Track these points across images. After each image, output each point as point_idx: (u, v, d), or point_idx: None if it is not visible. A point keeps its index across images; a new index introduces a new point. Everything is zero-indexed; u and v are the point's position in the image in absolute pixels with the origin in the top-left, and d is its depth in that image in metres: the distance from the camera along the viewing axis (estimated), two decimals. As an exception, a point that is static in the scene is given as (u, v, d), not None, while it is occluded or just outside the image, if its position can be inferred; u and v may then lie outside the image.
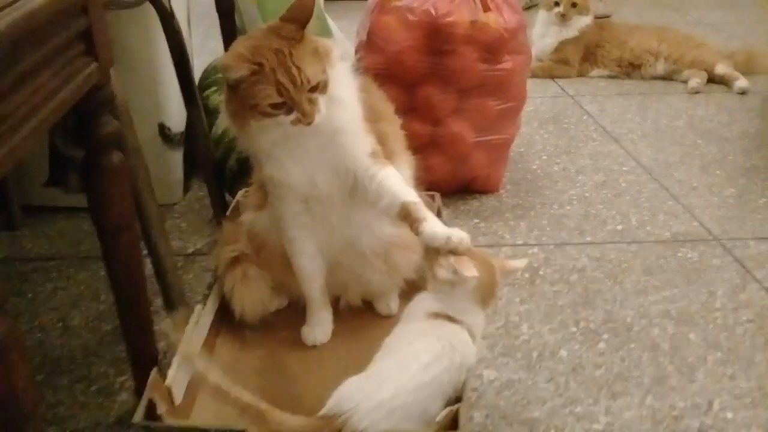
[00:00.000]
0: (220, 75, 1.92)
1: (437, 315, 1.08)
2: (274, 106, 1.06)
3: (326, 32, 2.13)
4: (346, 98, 1.15)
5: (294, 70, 1.04)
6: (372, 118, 1.20)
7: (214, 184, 1.71)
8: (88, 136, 0.95)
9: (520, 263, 1.18)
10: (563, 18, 2.98)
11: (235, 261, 1.31)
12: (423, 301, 1.12)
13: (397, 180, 1.15)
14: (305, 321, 1.32)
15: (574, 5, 2.97)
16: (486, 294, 1.10)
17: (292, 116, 1.07)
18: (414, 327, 1.08)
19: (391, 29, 1.79)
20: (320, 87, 1.08)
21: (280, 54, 1.05)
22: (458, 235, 1.07)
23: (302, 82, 1.05)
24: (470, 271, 1.03)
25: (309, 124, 1.07)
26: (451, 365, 1.02)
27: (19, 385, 0.68)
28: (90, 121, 0.94)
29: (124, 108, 1.07)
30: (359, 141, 1.16)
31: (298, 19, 1.07)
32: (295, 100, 1.06)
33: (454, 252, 1.05)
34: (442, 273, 1.05)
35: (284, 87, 1.04)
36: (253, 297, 1.30)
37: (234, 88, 1.08)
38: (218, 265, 1.32)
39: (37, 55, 0.74)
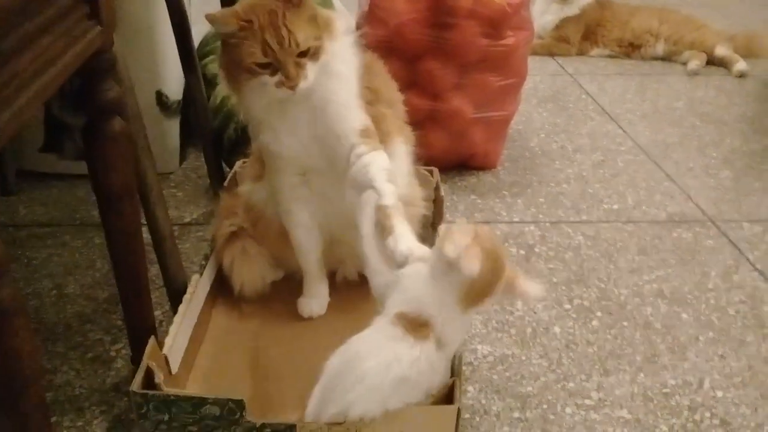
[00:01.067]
0: (218, 43, 1.90)
1: (404, 318, 0.95)
2: (260, 65, 1.06)
3: (328, 4, 2.11)
4: (344, 73, 1.14)
5: (284, 32, 1.03)
6: (372, 99, 1.19)
7: (211, 153, 1.70)
8: (90, 101, 0.94)
9: (536, 289, 0.98)
10: None
11: (234, 236, 1.31)
12: (396, 292, 1.00)
13: (381, 171, 1.12)
14: (302, 293, 1.32)
15: None
16: (471, 297, 0.94)
17: (276, 78, 1.06)
18: (372, 340, 0.96)
19: (393, 1, 1.77)
20: (311, 53, 1.06)
21: (272, 14, 1.04)
22: (398, 247, 1.03)
23: (290, 45, 1.04)
24: (471, 265, 0.90)
25: (292, 88, 1.05)
26: (400, 393, 0.92)
27: (22, 348, 0.69)
28: (92, 86, 0.93)
29: (125, 73, 1.06)
30: (350, 116, 1.14)
31: None
32: (281, 61, 1.05)
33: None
34: (449, 249, 0.91)
35: (270, 47, 1.04)
36: (252, 272, 1.30)
37: (225, 44, 1.08)
38: (216, 240, 1.32)
39: (41, 17, 0.73)
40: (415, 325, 0.94)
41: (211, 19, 1.06)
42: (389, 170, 1.13)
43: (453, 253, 0.90)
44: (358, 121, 1.15)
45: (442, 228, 0.96)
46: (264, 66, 1.06)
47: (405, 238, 1.04)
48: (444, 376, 0.98)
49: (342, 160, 1.15)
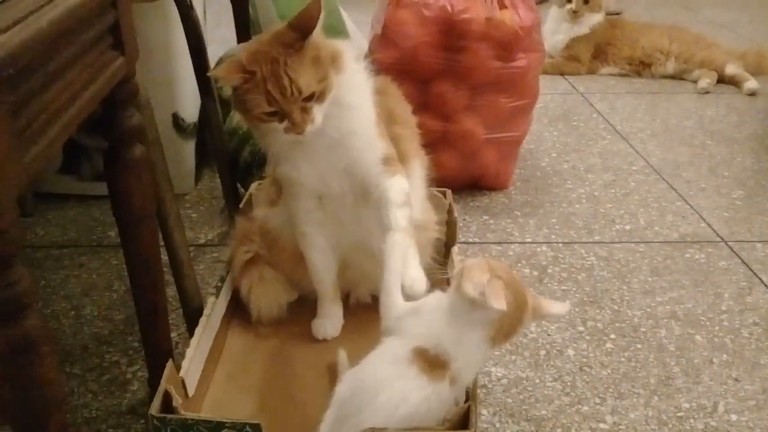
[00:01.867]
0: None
1: (422, 355, 0.93)
2: (268, 114, 1.07)
3: (341, 28, 2.13)
4: (358, 102, 1.14)
5: (285, 81, 1.03)
6: (388, 120, 1.21)
7: (227, 175, 1.72)
8: (111, 129, 0.96)
9: (562, 308, 0.99)
10: (575, 15, 2.98)
11: (251, 262, 1.33)
12: (414, 325, 0.98)
13: (398, 194, 1.14)
14: (316, 315, 1.33)
15: (586, 2, 2.97)
16: (503, 332, 0.94)
17: (284, 125, 1.07)
18: (384, 374, 0.94)
19: (406, 24, 1.79)
20: (316, 96, 1.07)
21: (274, 62, 1.04)
22: (410, 280, 1.06)
23: (293, 93, 1.04)
24: (499, 301, 0.89)
25: (299, 134, 1.07)
26: (408, 425, 0.91)
27: (48, 376, 0.70)
28: (114, 114, 0.95)
29: (146, 100, 1.08)
30: (370, 146, 1.16)
31: (301, 28, 1.06)
32: (285, 110, 1.05)
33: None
34: (469, 288, 0.90)
35: (273, 97, 1.04)
36: (269, 299, 1.32)
37: (235, 92, 1.09)
38: (234, 266, 1.33)
39: (70, 50, 0.74)
40: (433, 365, 0.93)
41: (215, 77, 1.08)
42: (407, 193, 1.15)
43: (474, 291, 0.90)
44: (379, 150, 1.16)
45: (455, 263, 0.96)
46: (271, 114, 1.07)
47: (412, 268, 1.06)
48: (454, 402, 0.98)
49: (366, 189, 1.16)
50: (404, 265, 1.07)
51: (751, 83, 2.81)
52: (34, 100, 0.68)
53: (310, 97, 1.06)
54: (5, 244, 0.65)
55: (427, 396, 0.92)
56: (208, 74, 1.08)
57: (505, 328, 0.94)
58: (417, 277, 1.07)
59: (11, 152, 0.63)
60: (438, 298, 1.00)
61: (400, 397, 0.92)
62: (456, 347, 0.93)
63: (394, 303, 1.04)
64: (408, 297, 1.05)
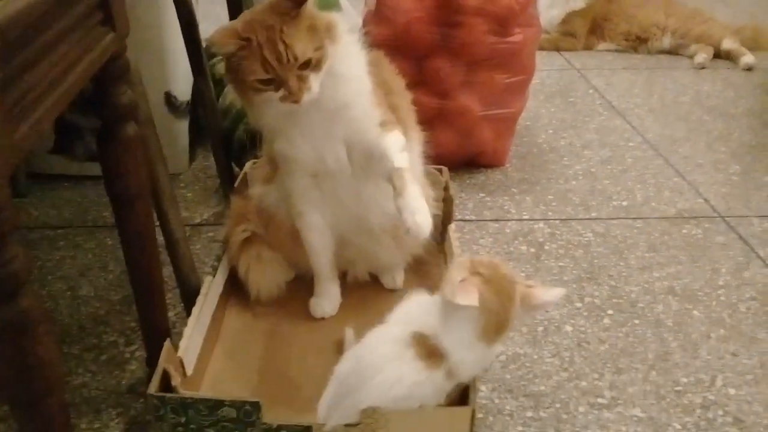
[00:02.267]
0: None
1: (421, 340, 0.94)
2: (263, 81, 1.06)
3: (334, 3, 2.11)
4: (352, 73, 1.14)
5: (281, 47, 1.03)
6: (384, 91, 1.20)
7: (221, 154, 1.71)
8: (103, 106, 0.94)
9: (552, 295, 0.98)
10: None
11: (247, 242, 1.32)
12: (417, 308, 1.00)
13: (395, 144, 1.14)
14: (313, 293, 1.33)
15: None
16: (492, 328, 0.94)
17: (280, 93, 1.06)
18: (382, 354, 0.95)
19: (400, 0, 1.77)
20: (312, 64, 1.06)
21: (270, 30, 1.03)
22: (415, 225, 1.06)
23: (289, 59, 1.03)
24: (467, 297, 0.90)
25: (295, 102, 1.05)
26: (402, 406, 0.93)
27: (45, 356, 0.69)
28: (106, 92, 0.93)
29: (138, 77, 1.06)
30: (368, 114, 1.15)
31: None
32: (282, 77, 1.04)
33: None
34: (445, 291, 0.93)
35: (269, 63, 1.03)
36: (267, 278, 1.32)
37: (229, 62, 1.08)
38: (230, 245, 1.33)
39: (59, 25, 0.73)
40: (430, 352, 0.94)
41: (210, 41, 1.07)
42: (404, 145, 1.15)
43: (451, 293, 0.91)
44: (377, 117, 1.15)
45: (452, 241, 0.96)
46: (267, 82, 1.06)
47: (412, 199, 1.07)
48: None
49: (367, 156, 1.15)
50: (408, 207, 1.07)
51: (747, 58, 2.80)
52: (23, 76, 0.67)
53: (306, 65, 1.05)
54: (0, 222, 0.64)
55: (420, 381, 0.93)
56: (204, 40, 1.06)
57: (494, 324, 0.94)
58: (422, 222, 1.06)
59: (1, 129, 0.62)
60: (418, 304, 1.01)
61: (395, 377, 0.92)
62: (450, 343, 0.94)
63: None
64: (412, 240, 1.05)
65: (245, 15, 1.10)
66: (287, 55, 1.03)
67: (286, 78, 1.04)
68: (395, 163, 1.10)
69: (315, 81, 1.06)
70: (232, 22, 1.10)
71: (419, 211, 1.07)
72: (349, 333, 1.19)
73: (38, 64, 0.69)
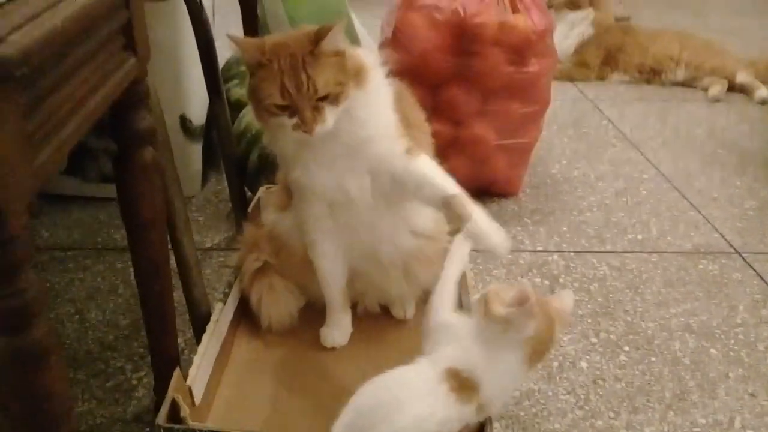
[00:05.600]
0: (242, 68, 1.90)
1: (455, 375, 0.92)
2: (279, 107, 1.05)
3: (350, 32, 2.10)
4: (376, 112, 1.12)
5: (303, 77, 1.02)
6: (405, 124, 1.18)
7: (234, 178, 1.69)
8: (122, 131, 0.93)
9: (569, 298, 1.01)
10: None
11: (260, 271, 1.30)
12: (449, 346, 0.96)
13: (431, 169, 1.14)
14: (324, 322, 1.31)
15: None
16: (539, 349, 0.93)
17: (293, 120, 1.05)
18: (413, 389, 0.93)
19: (416, 28, 1.77)
20: (330, 98, 1.05)
21: (293, 57, 1.02)
22: (498, 246, 1.08)
23: (308, 90, 1.02)
24: (528, 325, 0.90)
25: (308, 132, 1.04)
26: None
27: (55, 388, 0.68)
28: (125, 117, 0.92)
29: (156, 102, 1.05)
30: (391, 146, 1.13)
31: (317, 37, 1.04)
32: (297, 105, 1.03)
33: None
34: (498, 308, 0.91)
35: (287, 90, 1.03)
36: (280, 309, 1.30)
37: (250, 77, 1.08)
38: (243, 274, 1.31)
39: (83, 50, 0.72)
40: (464, 387, 0.92)
41: (234, 41, 1.06)
42: (436, 166, 1.15)
43: (502, 309, 0.91)
44: (401, 146, 1.14)
45: (469, 281, 0.95)
46: (283, 108, 1.05)
47: (482, 220, 1.10)
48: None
49: (390, 187, 1.15)
50: (484, 231, 1.09)
51: (762, 92, 2.79)
52: (45, 102, 0.66)
53: (324, 98, 1.04)
54: (15, 249, 0.63)
55: (451, 416, 0.91)
56: (227, 34, 1.06)
57: (540, 345, 0.93)
58: (503, 241, 1.10)
59: (22, 155, 0.61)
60: (469, 323, 0.98)
61: (427, 413, 0.90)
62: (489, 374, 0.92)
63: (440, 307, 1.03)
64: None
65: (274, 37, 1.09)
66: (307, 86, 1.02)
67: (301, 107, 1.03)
68: (449, 191, 1.11)
69: (331, 114, 1.05)
70: (264, 37, 1.09)
71: (495, 231, 1.11)
72: None
73: (61, 88, 0.68)
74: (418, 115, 1.29)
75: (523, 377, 0.96)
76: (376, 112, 1.12)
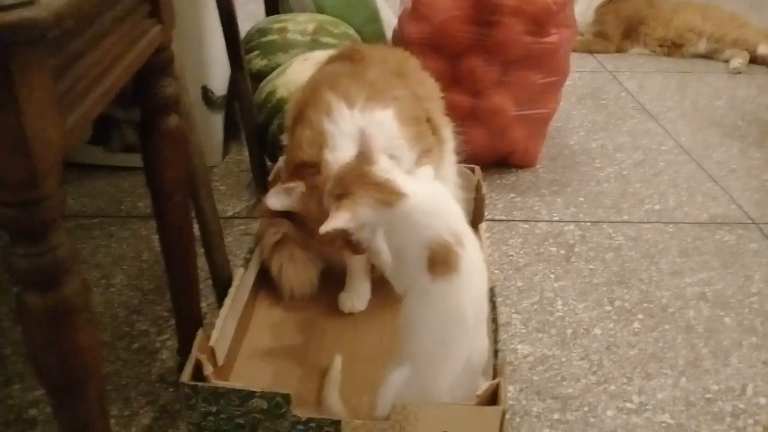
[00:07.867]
0: (262, 39, 1.91)
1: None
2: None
3: (374, 17, 2.10)
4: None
5: None
6: (415, 102, 1.20)
7: (255, 148, 1.72)
8: (147, 98, 0.95)
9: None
10: None
11: (280, 242, 1.33)
12: None
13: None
14: (343, 288, 1.34)
15: None
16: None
17: None
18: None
19: (436, -2, 1.77)
20: None
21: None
22: None
23: None
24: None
25: None
26: None
27: (85, 344, 0.70)
28: (150, 83, 0.94)
29: (181, 70, 1.07)
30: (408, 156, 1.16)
31: None
32: None
33: None
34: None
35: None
36: (300, 277, 1.32)
37: None
38: (263, 247, 1.34)
39: (109, 16, 0.74)
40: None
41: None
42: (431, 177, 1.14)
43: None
44: (413, 156, 1.17)
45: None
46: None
47: None
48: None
49: None
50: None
51: (784, 64, 2.76)
52: (74, 66, 0.68)
53: None
54: (47, 209, 0.66)
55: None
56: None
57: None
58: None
59: (53, 117, 0.63)
60: None
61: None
62: None
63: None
64: None
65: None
66: None
67: None
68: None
69: None
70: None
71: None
72: (337, 361, 1.17)
73: (88, 55, 0.70)
74: (428, 84, 1.30)
75: None
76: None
